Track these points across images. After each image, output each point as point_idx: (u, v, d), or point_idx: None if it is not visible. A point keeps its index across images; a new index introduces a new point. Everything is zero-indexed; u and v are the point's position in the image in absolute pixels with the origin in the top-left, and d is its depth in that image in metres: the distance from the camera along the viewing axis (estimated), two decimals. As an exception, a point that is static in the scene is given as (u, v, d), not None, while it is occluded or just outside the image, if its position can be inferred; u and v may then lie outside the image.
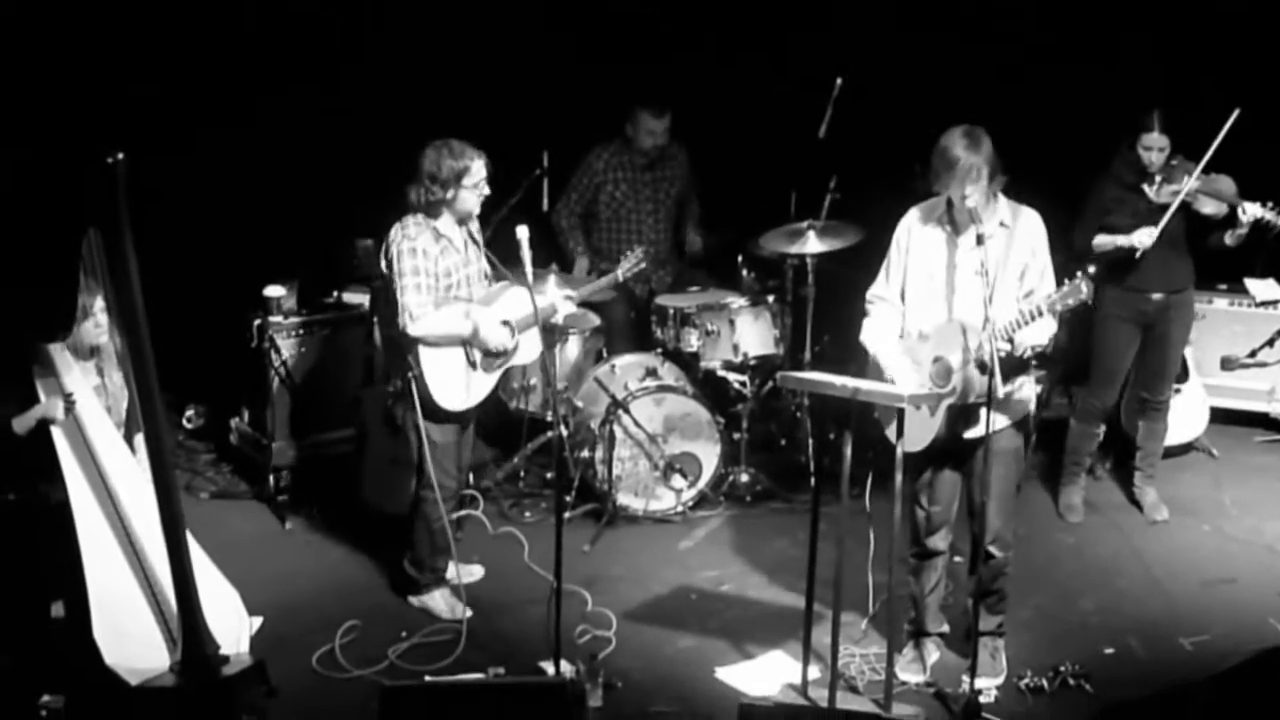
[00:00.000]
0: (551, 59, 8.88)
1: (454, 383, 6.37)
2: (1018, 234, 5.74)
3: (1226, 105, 6.99)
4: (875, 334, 5.88)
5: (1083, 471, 7.61)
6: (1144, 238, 6.99)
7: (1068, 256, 7.32)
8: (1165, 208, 7.03)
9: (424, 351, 6.29)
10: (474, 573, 6.87)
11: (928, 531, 5.99)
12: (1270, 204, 7.03)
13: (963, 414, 5.72)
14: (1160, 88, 7.72)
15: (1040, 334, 5.61)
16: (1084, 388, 7.55)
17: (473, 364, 6.41)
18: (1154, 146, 7.03)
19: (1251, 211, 7.04)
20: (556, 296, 6.75)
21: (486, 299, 6.46)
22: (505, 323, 6.42)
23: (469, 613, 6.45)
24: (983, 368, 5.51)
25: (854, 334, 5.98)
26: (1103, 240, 7.11)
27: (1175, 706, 5.11)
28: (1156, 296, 7.20)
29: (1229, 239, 7.20)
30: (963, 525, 6.08)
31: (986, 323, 5.46)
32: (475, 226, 6.52)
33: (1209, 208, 7.12)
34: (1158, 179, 7.08)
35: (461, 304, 6.37)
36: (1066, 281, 5.56)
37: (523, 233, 5.99)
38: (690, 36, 9.10)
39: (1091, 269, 5.55)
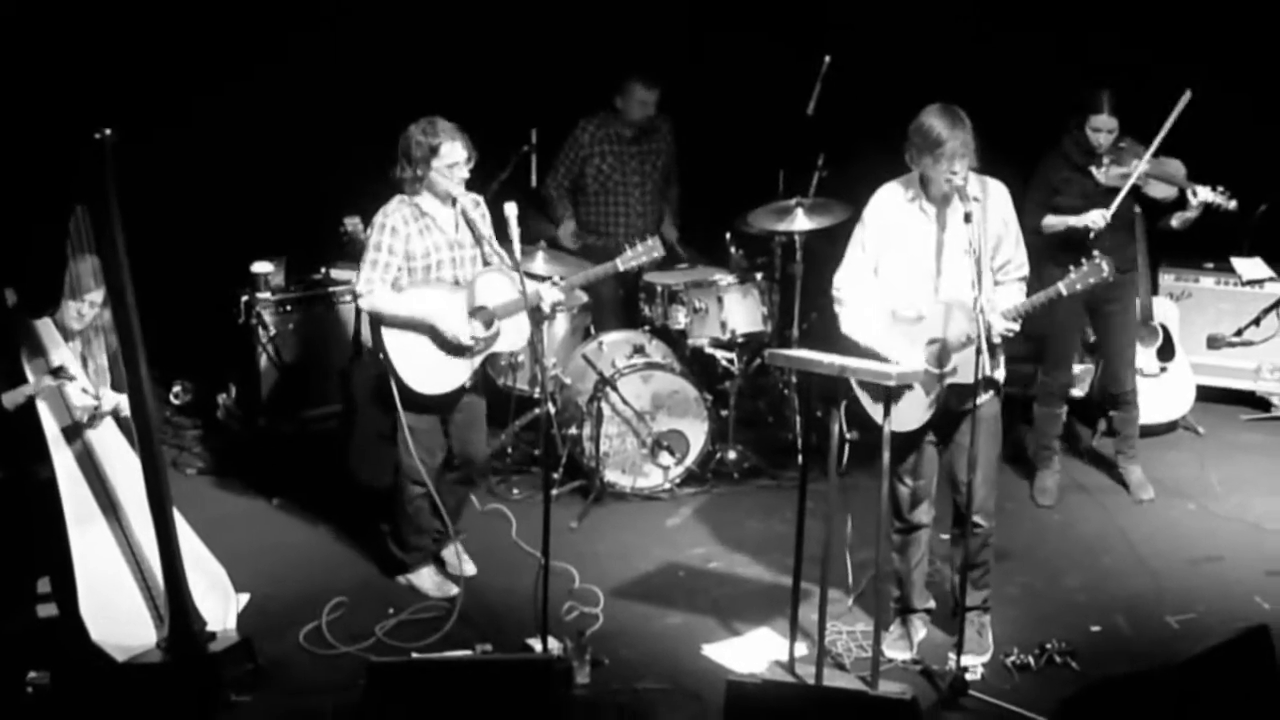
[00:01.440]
0: (539, 35, 8.85)
1: (423, 367, 6.26)
2: (989, 207, 5.74)
3: (1178, 87, 6.97)
4: (860, 322, 5.80)
5: (1054, 455, 7.52)
6: (1097, 219, 6.92)
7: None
8: (1115, 190, 6.99)
9: (387, 333, 6.22)
10: (466, 570, 6.68)
11: (911, 506, 6.00)
12: (1220, 187, 7.01)
13: (955, 391, 5.73)
14: (1112, 67, 7.68)
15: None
16: (1040, 368, 7.53)
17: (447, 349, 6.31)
18: (1103, 129, 6.98)
19: (1201, 195, 7.03)
20: (543, 283, 6.48)
21: (467, 284, 6.32)
22: (481, 309, 6.29)
23: (457, 590, 6.44)
24: (981, 347, 5.51)
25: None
26: (1053, 221, 7.04)
27: (1157, 686, 5.11)
28: None
29: (1175, 222, 7.20)
30: (943, 500, 6.09)
31: (977, 302, 5.47)
32: (482, 213, 6.39)
33: (1158, 191, 7.10)
34: (1106, 161, 7.03)
35: (433, 289, 6.23)
36: (1085, 261, 5.62)
37: (510, 210, 5.90)
38: (677, 12, 9.09)
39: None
